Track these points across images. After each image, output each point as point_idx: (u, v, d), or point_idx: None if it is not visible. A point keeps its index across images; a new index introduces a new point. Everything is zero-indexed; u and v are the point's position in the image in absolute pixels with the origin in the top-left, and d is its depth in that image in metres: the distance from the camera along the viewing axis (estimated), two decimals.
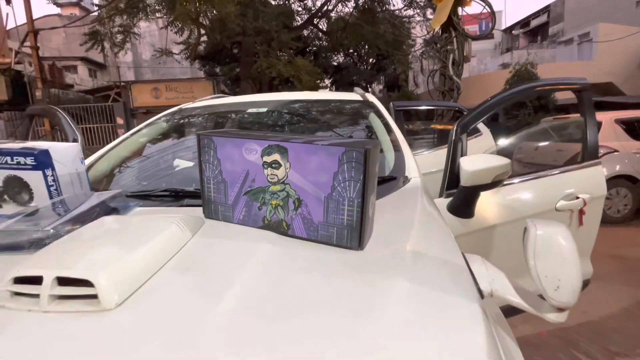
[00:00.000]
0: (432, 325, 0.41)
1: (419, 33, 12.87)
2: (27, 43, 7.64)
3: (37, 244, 0.58)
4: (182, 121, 1.46)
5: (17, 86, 7.74)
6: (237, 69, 11.94)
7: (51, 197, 0.75)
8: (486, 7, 2.71)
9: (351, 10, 11.69)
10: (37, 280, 0.45)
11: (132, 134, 1.38)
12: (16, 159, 0.73)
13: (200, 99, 1.80)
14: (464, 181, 1.09)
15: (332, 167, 0.56)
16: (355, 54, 15.65)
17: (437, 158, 2.12)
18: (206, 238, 0.61)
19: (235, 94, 11.09)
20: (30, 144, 0.77)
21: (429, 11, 11.98)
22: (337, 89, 15.17)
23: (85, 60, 17.94)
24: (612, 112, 3.86)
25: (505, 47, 25.25)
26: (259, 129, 1.33)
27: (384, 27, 11.86)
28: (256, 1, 9.46)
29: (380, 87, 18.21)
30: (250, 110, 1.42)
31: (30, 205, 0.75)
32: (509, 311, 0.78)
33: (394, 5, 11.66)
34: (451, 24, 2.72)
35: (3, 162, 0.73)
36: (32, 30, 7.17)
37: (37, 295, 0.44)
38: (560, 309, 0.55)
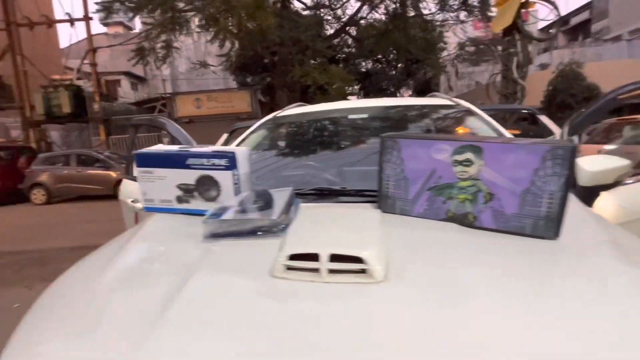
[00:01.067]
0: None
1: (452, 36, 12.70)
2: (86, 60, 8.30)
3: (267, 231, 0.68)
4: (289, 128, 1.57)
5: (77, 99, 8.48)
6: (268, 78, 12.33)
7: (236, 194, 0.86)
8: (552, 8, 2.68)
9: (382, 16, 11.79)
10: (309, 257, 0.54)
11: (240, 142, 1.50)
12: (212, 160, 0.85)
13: (285, 108, 1.91)
14: (584, 181, 1.11)
15: (532, 163, 0.62)
16: (384, 59, 15.65)
17: None
18: (401, 227, 0.69)
19: (271, 103, 11.42)
20: (216, 148, 0.89)
21: (462, 14, 11.82)
22: (366, 95, 15.18)
23: (128, 74, 19.18)
24: None
25: (543, 46, 24.23)
26: (362, 134, 1.41)
27: (414, 31, 11.84)
28: (291, 12, 9.79)
29: (410, 92, 18.06)
30: (351, 116, 1.51)
31: (217, 201, 0.87)
32: None
33: (428, 10, 11.59)
34: (515, 26, 2.71)
35: (199, 163, 0.86)
36: (92, 48, 7.80)
37: (315, 270, 0.53)
38: None
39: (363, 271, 0.53)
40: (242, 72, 13.44)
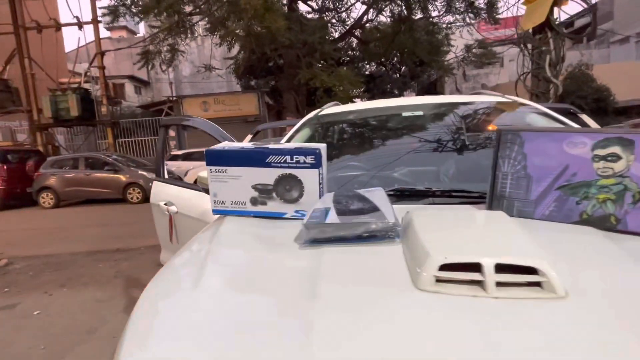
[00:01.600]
0: None
1: (458, 38, 12.67)
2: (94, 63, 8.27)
3: (381, 236, 0.60)
4: (341, 125, 1.50)
5: (85, 103, 8.45)
6: (273, 81, 12.32)
7: (320, 195, 0.78)
8: (586, 6, 2.62)
9: (387, 19, 11.79)
10: (463, 267, 0.46)
11: (288, 139, 1.43)
12: (296, 157, 0.77)
13: (324, 106, 1.83)
14: None
15: None
16: (388, 62, 15.64)
17: None
18: (541, 232, 0.60)
19: (278, 105, 11.38)
20: (299, 145, 0.81)
21: (468, 17, 11.80)
22: (370, 98, 15.19)
23: (132, 78, 19.21)
24: None
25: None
26: (427, 132, 1.32)
27: (419, 34, 11.84)
28: (298, 15, 9.77)
29: (414, 94, 18.03)
30: (405, 114, 1.43)
31: (299, 203, 0.78)
32: None
33: (434, 12, 11.57)
34: (547, 24, 2.64)
35: (281, 161, 0.77)
36: (100, 51, 7.77)
37: (474, 282, 0.45)
38: None
39: (537, 284, 0.44)
40: (247, 75, 13.46)
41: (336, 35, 11.72)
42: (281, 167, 0.78)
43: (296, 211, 0.80)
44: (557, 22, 2.70)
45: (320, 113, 1.66)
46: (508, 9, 16.91)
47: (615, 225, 0.60)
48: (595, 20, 2.46)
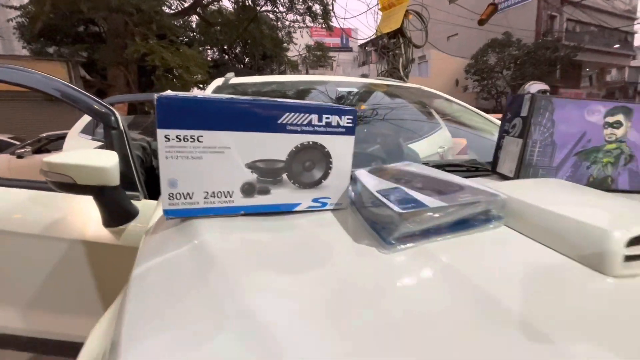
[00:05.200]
0: None
1: (299, 38, 13.62)
2: None
3: (492, 217, 0.45)
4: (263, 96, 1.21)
5: None
6: (85, 52, 9.64)
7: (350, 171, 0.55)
8: (421, 20, 3.24)
9: (230, 5, 11.33)
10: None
11: None
12: (326, 118, 0.51)
13: (227, 76, 1.49)
14: None
15: None
16: (231, 51, 15.17)
17: None
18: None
19: (101, 82, 8.96)
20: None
21: (307, 19, 12.84)
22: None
23: None
24: None
25: (362, 60, 29.40)
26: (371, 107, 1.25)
27: (262, 26, 12.03)
28: None
29: None
30: (340, 89, 1.30)
31: (321, 186, 0.53)
32: None
33: (277, 8, 11.92)
34: (400, 31, 3.10)
35: (303, 122, 0.50)
36: None
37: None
38: None
39: None
40: (43, 38, 9.88)
41: (175, 8, 10.25)
42: (302, 132, 0.50)
43: (315, 199, 0.54)
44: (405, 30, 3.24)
45: (231, 82, 1.32)
46: (344, 19, 19.37)
47: (610, 185, 0.69)
48: (426, 35, 3.10)
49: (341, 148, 0.53)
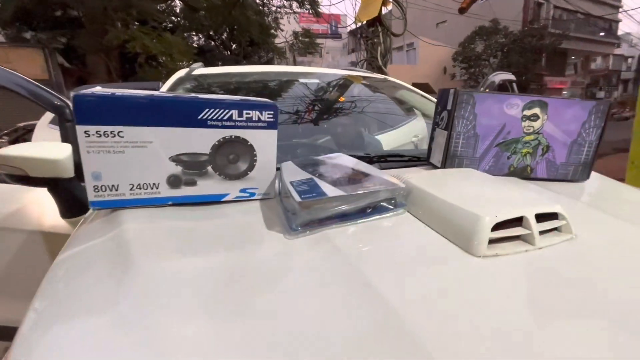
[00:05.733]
0: None
1: (287, 24, 13.37)
2: None
3: (393, 205, 0.50)
4: (224, 88, 1.22)
5: None
6: (64, 37, 9.31)
7: (276, 164, 0.59)
8: (400, 8, 3.23)
9: None
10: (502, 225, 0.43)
11: None
12: (247, 113, 0.54)
13: (193, 66, 1.49)
14: None
15: (582, 116, 0.71)
16: (217, 37, 14.83)
17: None
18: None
19: (81, 70, 8.69)
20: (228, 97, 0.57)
21: (294, 4, 12.59)
22: None
23: None
24: None
25: (351, 47, 29.07)
26: (324, 100, 1.28)
27: (249, 12, 11.77)
28: None
29: None
30: (303, 80, 1.32)
31: (246, 178, 0.57)
32: None
33: None
34: (379, 19, 3.09)
35: (224, 117, 0.53)
36: None
37: (515, 237, 0.43)
38: None
39: (555, 229, 0.46)
40: (18, 23, 9.47)
41: None
42: (224, 127, 0.53)
43: (242, 190, 0.58)
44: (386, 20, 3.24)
45: (194, 73, 1.33)
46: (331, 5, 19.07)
47: (530, 174, 0.74)
48: (405, 23, 3.11)
49: (264, 141, 0.56)
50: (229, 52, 15.51)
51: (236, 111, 0.53)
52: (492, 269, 0.39)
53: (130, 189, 0.52)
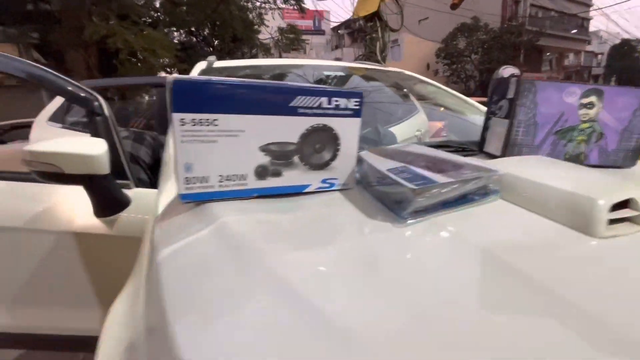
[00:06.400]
0: None
1: (270, 20, 13.20)
2: None
3: (488, 192, 0.50)
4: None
5: None
6: (36, 32, 8.85)
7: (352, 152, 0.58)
8: (397, 3, 3.25)
9: None
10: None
11: None
12: (335, 101, 0.52)
13: (209, 58, 1.45)
14: None
15: (634, 104, 0.73)
16: (199, 33, 14.49)
17: None
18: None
19: (59, 66, 8.28)
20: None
21: (279, 0, 12.45)
22: (185, 71, 13.79)
23: None
24: None
25: (335, 44, 29.01)
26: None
27: (233, 8, 11.57)
28: None
29: None
30: (327, 73, 1.30)
31: (329, 168, 0.56)
32: None
33: None
34: (377, 14, 3.10)
35: (314, 105, 0.51)
36: None
37: (621, 220, 0.44)
38: None
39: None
40: None
41: None
42: (313, 114, 0.52)
43: (324, 180, 0.56)
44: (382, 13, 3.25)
45: (215, 65, 1.30)
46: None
47: (583, 161, 0.76)
48: (402, 18, 3.15)
49: (348, 130, 0.55)
50: (211, 49, 15.19)
51: (326, 99, 0.52)
52: (616, 249, 0.40)
53: (219, 181, 0.49)
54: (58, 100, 1.92)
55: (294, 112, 0.50)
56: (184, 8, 11.34)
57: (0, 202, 0.91)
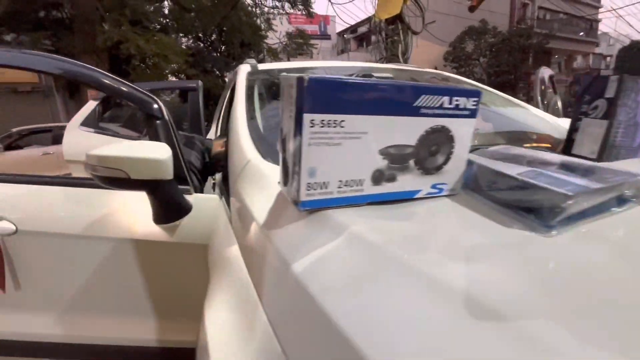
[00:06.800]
0: None
1: (279, 25, 13.29)
2: None
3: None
4: None
5: None
6: (49, 40, 8.97)
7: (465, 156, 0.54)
8: (418, 5, 3.22)
9: None
10: None
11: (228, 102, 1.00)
12: (456, 100, 0.49)
13: (245, 61, 1.43)
14: None
15: None
16: (206, 39, 14.61)
17: None
18: None
19: None
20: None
21: (287, 5, 12.54)
22: (195, 76, 13.91)
23: None
24: None
25: (340, 48, 29.14)
26: None
27: (241, 13, 11.68)
28: None
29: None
30: (377, 74, 1.27)
31: (441, 172, 0.52)
32: None
33: None
34: (399, 16, 3.08)
35: (436, 105, 0.47)
36: None
37: None
38: None
39: None
40: None
41: None
42: (434, 115, 0.48)
43: (433, 186, 0.52)
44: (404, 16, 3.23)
45: (256, 68, 1.28)
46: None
47: None
48: (423, 20, 3.13)
49: (463, 131, 0.51)
50: (218, 54, 15.30)
51: (448, 98, 0.48)
52: None
53: (338, 187, 0.46)
54: (90, 105, 1.92)
55: (416, 112, 0.47)
56: (193, 14, 11.46)
57: (58, 208, 0.89)
